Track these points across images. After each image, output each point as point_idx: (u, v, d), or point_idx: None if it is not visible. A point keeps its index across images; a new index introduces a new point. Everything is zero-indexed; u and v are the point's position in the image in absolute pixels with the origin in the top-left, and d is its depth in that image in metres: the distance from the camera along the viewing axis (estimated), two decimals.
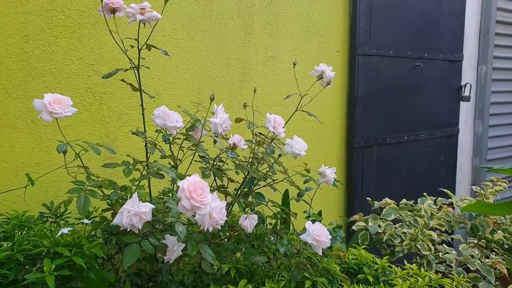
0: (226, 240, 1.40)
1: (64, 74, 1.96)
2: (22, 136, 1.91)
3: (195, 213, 0.80)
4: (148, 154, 1.13)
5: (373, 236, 1.97)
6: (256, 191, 1.38)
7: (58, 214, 1.57)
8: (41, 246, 0.93)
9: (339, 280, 1.23)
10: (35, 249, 0.93)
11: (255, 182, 1.27)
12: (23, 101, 1.89)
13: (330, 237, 1.09)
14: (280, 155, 1.25)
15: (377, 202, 2.17)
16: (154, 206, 0.83)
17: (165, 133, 1.43)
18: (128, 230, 0.81)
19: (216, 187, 1.25)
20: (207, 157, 1.22)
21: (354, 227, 2.12)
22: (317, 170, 1.35)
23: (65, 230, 0.97)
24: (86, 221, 1.10)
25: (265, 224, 1.33)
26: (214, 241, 1.31)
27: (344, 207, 3.02)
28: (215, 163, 1.20)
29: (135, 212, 0.80)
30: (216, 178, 1.22)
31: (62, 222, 1.51)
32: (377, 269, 1.36)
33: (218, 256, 1.29)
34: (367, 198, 2.27)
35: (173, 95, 2.27)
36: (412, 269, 1.31)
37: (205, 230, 0.86)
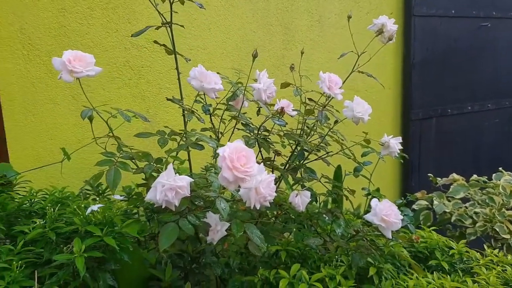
0: (273, 219, 1.27)
1: (102, 47, 1.88)
2: (64, 113, 1.87)
3: (239, 187, 0.67)
4: (186, 121, 1.00)
5: (437, 216, 1.76)
6: (306, 165, 1.22)
7: (100, 191, 1.51)
8: (74, 224, 0.85)
9: (406, 266, 1.07)
10: (67, 227, 0.85)
11: (305, 155, 1.12)
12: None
13: (402, 217, 0.92)
14: (336, 122, 1.08)
15: (440, 179, 1.94)
16: (193, 180, 0.71)
17: (204, 103, 1.30)
18: (163, 207, 0.70)
19: (261, 160, 1.11)
20: (251, 125, 1.07)
21: (415, 206, 1.92)
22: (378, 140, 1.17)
23: (95, 207, 0.88)
24: (118, 197, 1.00)
25: (318, 202, 1.18)
26: (261, 220, 1.18)
27: (399, 185, 2.79)
28: (259, 132, 1.06)
29: (170, 186, 0.69)
30: (262, 150, 1.07)
31: (104, 199, 1.45)
32: (453, 254, 1.17)
33: (266, 237, 1.17)
34: (429, 175, 2.04)
35: (212, 66, 2.14)
36: (496, 256, 1.10)
37: (252, 207, 0.73)
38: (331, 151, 1.16)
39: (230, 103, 1.23)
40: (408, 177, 2.69)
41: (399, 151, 1.15)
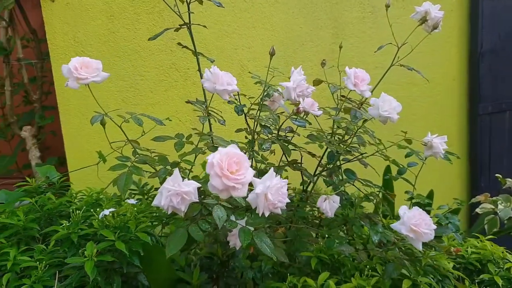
0: (311, 222, 1.21)
1: (148, 51, 1.94)
2: (115, 115, 1.96)
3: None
4: (203, 124, 0.98)
5: (504, 222, 1.56)
6: (340, 166, 1.14)
7: (145, 191, 1.55)
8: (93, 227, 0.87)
9: (451, 280, 0.95)
10: (89, 229, 0.88)
11: (336, 156, 1.04)
12: (113, 81, 1.92)
13: (435, 227, 0.81)
14: (365, 121, 0.99)
15: (510, 180, 1.73)
16: (200, 185, 0.69)
17: (238, 103, 1.27)
18: (168, 213, 0.69)
19: (286, 162, 1.06)
20: (271, 126, 1.02)
21: (478, 210, 1.73)
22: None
23: (107, 212, 0.89)
24: (131, 201, 1.01)
25: (354, 207, 1.10)
26: (294, 225, 1.13)
27: (467, 186, 2.55)
28: (280, 133, 1.00)
29: (175, 191, 0.67)
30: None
31: (149, 199, 1.48)
32: (510, 268, 1.02)
33: (299, 242, 1.11)
34: (496, 175, 1.83)
35: (258, 65, 2.11)
36: None
37: (260, 214, 0.69)
38: (365, 152, 1.07)
39: (264, 103, 1.19)
40: (476, 178, 2.44)
41: (444, 151, 1.03)
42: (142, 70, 1.95)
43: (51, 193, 1.10)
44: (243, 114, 1.23)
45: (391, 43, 1.20)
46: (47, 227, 1.01)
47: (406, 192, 1.15)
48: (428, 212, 1.30)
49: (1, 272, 0.87)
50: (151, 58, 1.95)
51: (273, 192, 0.68)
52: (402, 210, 0.83)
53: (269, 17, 2.10)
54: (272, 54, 0.99)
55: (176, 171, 0.68)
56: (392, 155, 1.21)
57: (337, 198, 0.98)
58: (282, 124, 1.01)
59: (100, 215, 0.89)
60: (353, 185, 1.06)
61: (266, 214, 0.69)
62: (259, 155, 1.22)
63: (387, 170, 1.46)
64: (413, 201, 1.12)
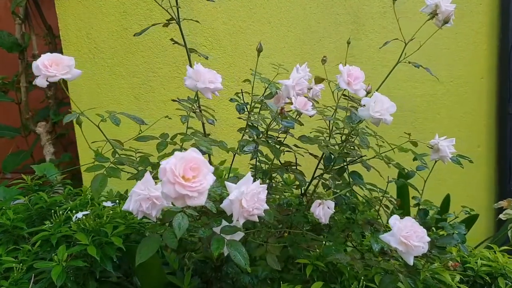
0: (315, 227, 1.16)
1: (161, 47, 1.93)
2: (127, 112, 1.96)
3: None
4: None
5: None
6: (345, 169, 1.08)
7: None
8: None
9: None
10: (66, 231, 0.86)
11: (337, 158, 0.98)
12: (126, 77, 1.93)
13: (428, 239, 0.73)
14: (360, 122, 0.93)
15: None
16: None
17: (241, 101, 1.24)
18: (138, 218, 0.66)
19: (280, 165, 1.01)
20: (257, 126, 0.97)
21: (501, 216, 1.61)
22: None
23: (80, 215, 0.88)
24: (108, 203, 0.99)
25: (356, 212, 1.04)
26: (292, 231, 1.08)
27: (494, 190, 2.40)
28: (273, 134, 0.95)
29: (145, 196, 0.64)
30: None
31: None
32: None
33: (295, 249, 1.07)
34: None
35: (273, 62, 2.05)
36: None
37: (234, 221, 0.65)
38: (365, 155, 1.00)
39: (265, 101, 1.14)
40: (504, 181, 2.30)
41: (451, 154, 0.95)
42: (154, 66, 1.95)
43: (47, 192, 1.10)
44: (248, 114, 1.19)
45: (397, 39, 1.13)
46: (39, 226, 1.01)
47: (413, 197, 1.07)
48: (442, 220, 1.22)
49: None
50: (164, 54, 1.94)
51: (248, 198, 0.63)
52: (393, 220, 0.76)
53: (286, 12, 2.05)
54: (259, 50, 0.95)
55: (147, 174, 0.66)
56: (408, 158, 1.12)
57: (332, 204, 0.92)
58: (270, 124, 0.96)
59: (74, 218, 0.88)
60: (352, 189, 1.00)
61: (241, 222, 0.65)
62: (263, 155, 1.18)
63: (400, 175, 1.37)
64: (420, 207, 1.05)
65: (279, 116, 0.89)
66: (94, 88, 1.88)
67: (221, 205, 0.65)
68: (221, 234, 0.67)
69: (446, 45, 2.30)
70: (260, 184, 0.67)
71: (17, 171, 1.89)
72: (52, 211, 0.95)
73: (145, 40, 1.91)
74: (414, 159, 1.06)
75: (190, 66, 0.93)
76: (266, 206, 0.69)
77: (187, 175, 0.55)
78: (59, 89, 1.98)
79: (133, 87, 1.94)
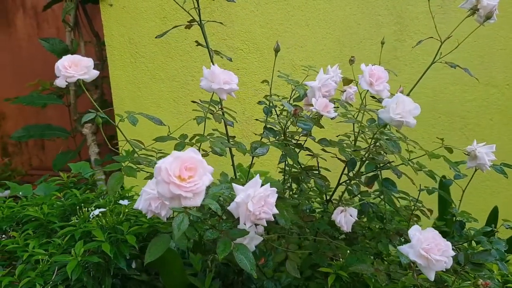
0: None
1: (199, 51, 1.97)
2: (166, 115, 2.01)
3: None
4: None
5: None
6: (379, 175, 1.03)
7: None
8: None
9: None
10: (85, 228, 0.89)
11: (369, 163, 0.93)
12: (165, 81, 1.98)
13: (452, 253, 0.66)
14: (385, 125, 0.87)
15: None
16: None
17: (270, 103, 1.22)
18: (148, 217, 0.66)
19: (300, 169, 0.97)
20: (275, 128, 0.94)
21: None
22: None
23: (96, 212, 0.90)
24: (125, 202, 1.00)
25: (384, 221, 0.98)
26: (317, 238, 1.04)
27: None
28: (288, 136, 0.92)
29: (154, 195, 0.64)
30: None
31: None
32: None
33: (319, 256, 1.03)
34: None
35: (311, 65, 2.01)
36: None
37: (240, 225, 0.63)
38: (393, 161, 0.94)
39: (282, 102, 1.12)
40: None
41: (490, 162, 0.86)
42: (192, 70, 1.99)
43: (83, 189, 1.15)
44: (277, 116, 1.18)
45: (432, 37, 1.05)
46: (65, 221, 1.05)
47: (451, 208, 0.99)
48: (492, 234, 1.11)
49: (23, 263, 0.92)
50: (202, 58, 1.97)
51: (255, 201, 0.61)
52: (413, 230, 0.69)
53: (324, 14, 2.01)
54: (276, 50, 0.92)
55: None
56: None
57: (355, 211, 0.87)
58: (286, 126, 0.93)
59: (91, 215, 0.91)
60: (379, 197, 0.94)
61: (248, 226, 0.63)
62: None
63: (441, 183, 1.27)
64: (456, 219, 0.96)
65: (294, 117, 0.87)
66: (135, 91, 1.95)
67: (228, 208, 0.63)
68: (228, 237, 0.65)
69: (502, 46, 2.14)
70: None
71: (65, 169, 2.00)
72: (77, 207, 0.99)
73: (183, 45, 1.95)
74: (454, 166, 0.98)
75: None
76: (275, 210, 0.66)
77: (182, 175, 0.54)
78: (106, 93, 2.07)
79: (172, 90, 1.98)
